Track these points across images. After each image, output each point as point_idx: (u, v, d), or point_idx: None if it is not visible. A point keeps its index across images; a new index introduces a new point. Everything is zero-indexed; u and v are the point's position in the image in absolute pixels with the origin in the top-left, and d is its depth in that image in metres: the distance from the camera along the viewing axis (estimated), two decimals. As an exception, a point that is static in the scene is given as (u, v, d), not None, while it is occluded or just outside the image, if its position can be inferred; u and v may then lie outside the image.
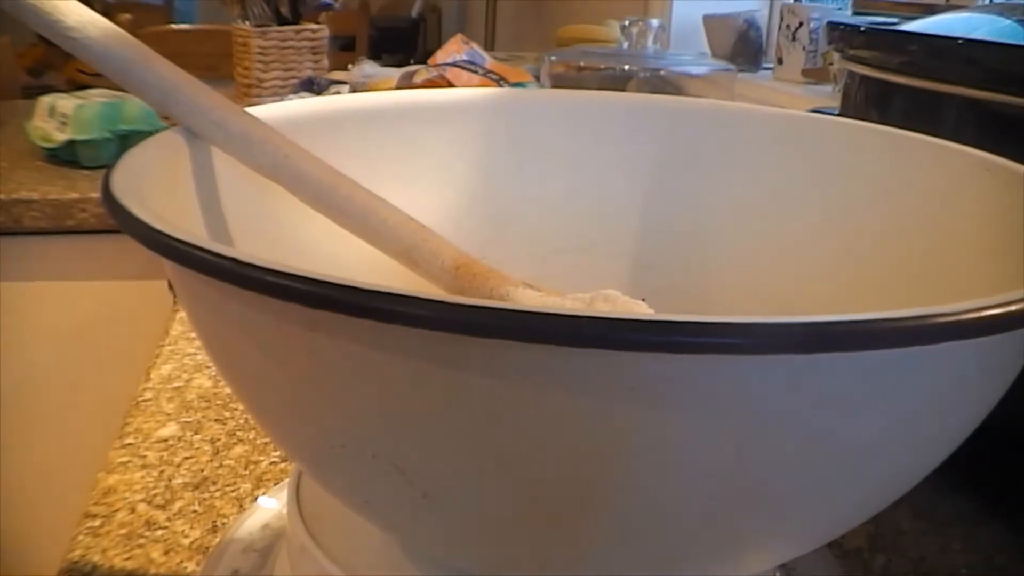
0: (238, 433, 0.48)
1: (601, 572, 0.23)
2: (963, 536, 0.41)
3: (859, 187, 0.35)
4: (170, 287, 0.26)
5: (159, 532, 0.39)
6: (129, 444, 0.46)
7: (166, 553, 0.38)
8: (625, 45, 1.13)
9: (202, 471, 0.44)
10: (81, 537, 0.39)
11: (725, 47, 1.61)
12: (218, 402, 0.51)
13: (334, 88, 1.26)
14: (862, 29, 0.48)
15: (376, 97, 0.39)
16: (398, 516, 0.24)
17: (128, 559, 0.37)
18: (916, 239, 0.33)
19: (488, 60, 1.18)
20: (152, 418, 0.49)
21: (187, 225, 0.27)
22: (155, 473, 0.44)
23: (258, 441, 0.47)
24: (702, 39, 1.67)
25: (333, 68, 1.47)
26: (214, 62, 1.66)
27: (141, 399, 0.51)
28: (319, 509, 0.31)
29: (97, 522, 0.40)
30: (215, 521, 0.40)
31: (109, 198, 0.21)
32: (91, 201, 1.02)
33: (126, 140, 1.09)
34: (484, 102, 0.40)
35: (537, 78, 1.18)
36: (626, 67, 1.06)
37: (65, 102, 1.10)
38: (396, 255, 0.33)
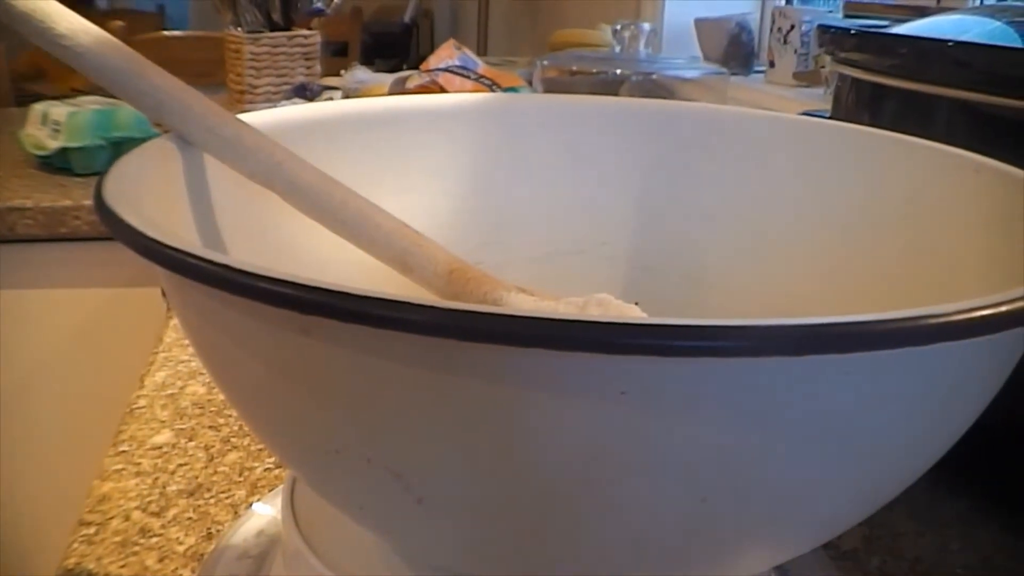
0: (232, 440, 0.48)
1: (594, 573, 0.23)
2: (960, 536, 0.41)
3: (850, 190, 0.36)
4: (164, 294, 0.26)
5: (154, 539, 0.39)
6: (123, 451, 0.46)
7: (161, 560, 0.38)
8: (617, 49, 1.13)
9: (196, 478, 0.44)
10: (76, 545, 0.39)
11: (717, 50, 1.61)
12: (212, 409, 0.51)
13: (327, 94, 1.26)
14: (853, 32, 0.48)
15: (369, 103, 0.39)
16: (393, 521, 0.24)
17: (123, 567, 0.37)
18: (907, 240, 0.33)
19: (480, 65, 1.19)
20: (146, 425, 0.49)
21: (180, 232, 0.27)
22: (149, 480, 0.44)
23: (252, 447, 0.47)
24: (694, 43, 1.68)
25: (326, 74, 1.47)
26: (207, 69, 1.65)
27: (135, 406, 0.51)
28: (314, 515, 0.31)
29: (92, 530, 0.40)
30: (210, 528, 0.40)
31: (102, 205, 0.21)
32: (84, 208, 1.02)
33: (119, 147, 1.09)
34: (477, 107, 0.41)
35: (529, 83, 1.18)
36: (618, 71, 1.06)
37: (58, 109, 1.10)
38: (390, 261, 0.33)
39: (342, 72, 1.31)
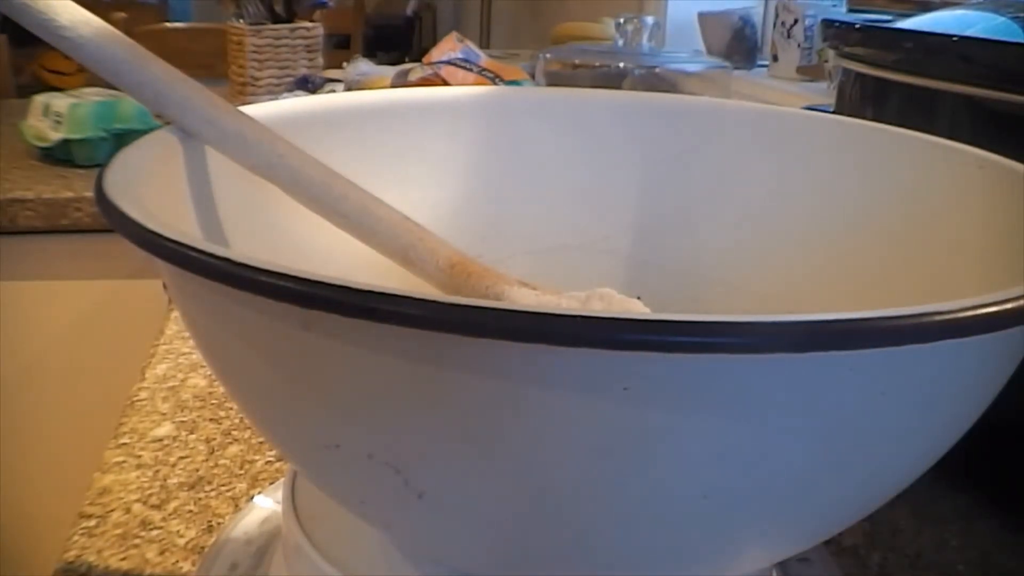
0: (233, 432, 0.48)
1: (596, 571, 0.22)
2: (960, 533, 0.41)
3: (854, 185, 0.35)
4: (165, 286, 0.26)
5: (154, 532, 0.39)
6: (124, 444, 0.46)
7: (161, 553, 0.38)
8: (620, 43, 1.13)
9: (197, 471, 0.44)
10: (77, 537, 0.39)
11: (720, 44, 1.60)
12: (213, 401, 0.51)
13: (329, 86, 1.26)
14: (857, 26, 0.47)
15: (371, 96, 0.39)
16: (394, 516, 0.24)
17: (123, 559, 0.37)
18: (910, 236, 0.33)
19: (483, 58, 1.18)
20: (147, 418, 0.49)
21: (181, 225, 0.27)
22: (150, 473, 0.44)
23: (253, 440, 0.47)
24: (697, 36, 1.67)
25: (328, 66, 1.47)
26: (209, 61, 1.65)
27: (136, 399, 0.51)
28: (315, 508, 0.31)
29: (92, 522, 0.40)
30: (210, 521, 0.40)
31: (102, 198, 0.21)
32: (86, 200, 1.02)
33: (121, 139, 1.09)
34: (479, 100, 0.40)
35: (532, 76, 1.18)
36: (621, 65, 1.06)
37: (60, 101, 1.10)
38: (391, 254, 0.33)
39: (344, 64, 1.31)
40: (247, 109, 0.32)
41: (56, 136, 1.09)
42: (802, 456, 0.19)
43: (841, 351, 0.17)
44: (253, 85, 1.42)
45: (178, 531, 0.39)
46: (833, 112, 0.49)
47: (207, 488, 0.42)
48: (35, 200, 1.01)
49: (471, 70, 1.10)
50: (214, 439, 0.47)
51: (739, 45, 1.61)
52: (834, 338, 0.16)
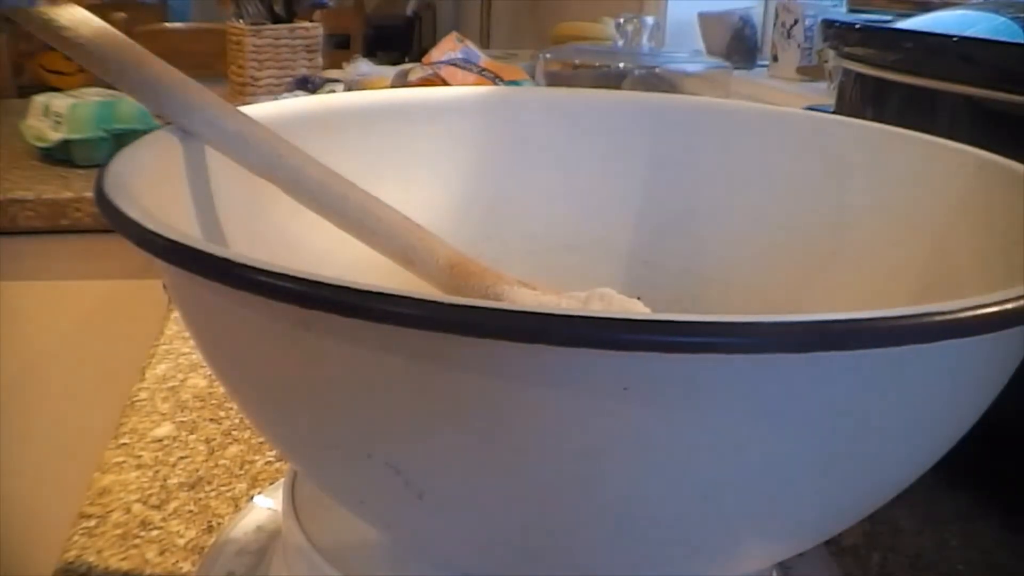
0: (233, 432, 0.47)
1: (596, 571, 0.22)
2: (960, 533, 0.41)
3: (853, 184, 0.35)
4: (165, 287, 0.26)
5: (154, 532, 0.39)
6: (124, 444, 0.46)
7: (161, 553, 0.38)
8: (620, 43, 1.13)
9: (197, 471, 0.44)
10: (76, 537, 0.39)
11: (720, 44, 1.61)
12: (213, 401, 0.51)
13: (329, 87, 1.26)
14: (857, 27, 0.47)
15: (371, 96, 0.39)
16: (394, 516, 0.24)
17: (123, 559, 0.37)
18: (910, 236, 0.33)
19: (483, 58, 1.18)
20: (147, 418, 0.49)
21: (181, 225, 0.27)
22: (150, 473, 0.44)
23: (253, 440, 0.47)
24: (697, 37, 1.67)
25: (328, 66, 1.47)
26: (208, 61, 1.65)
27: (136, 399, 0.51)
28: (315, 508, 0.31)
29: (92, 522, 0.40)
30: (210, 521, 0.40)
31: (102, 198, 0.21)
32: (86, 200, 1.02)
33: (121, 139, 1.09)
34: (479, 100, 0.40)
35: (532, 76, 1.18)
36: (621, 65, 1.06)
37: (59, 101, 1.10)
38: (391, 254, 0.33)
39: (344, 65, 1.31)
40: (247, 109, 0.32)
41: (56, 136, 1.09)
42: (803, 456, 0.19)
43: (841, 351, 0.17)
44: (253, 85, 1.42)
45: (178, 531, 0.39)
46: (833, 112, 0.49)
47: (207, 488, 0.42)
48: (35, 200, 1.01)
49: (471, 70, 1.10)
50: (214, 439, 0.47)
51: (739, 45, 1.61)
52: (834, 338, 0.16)
